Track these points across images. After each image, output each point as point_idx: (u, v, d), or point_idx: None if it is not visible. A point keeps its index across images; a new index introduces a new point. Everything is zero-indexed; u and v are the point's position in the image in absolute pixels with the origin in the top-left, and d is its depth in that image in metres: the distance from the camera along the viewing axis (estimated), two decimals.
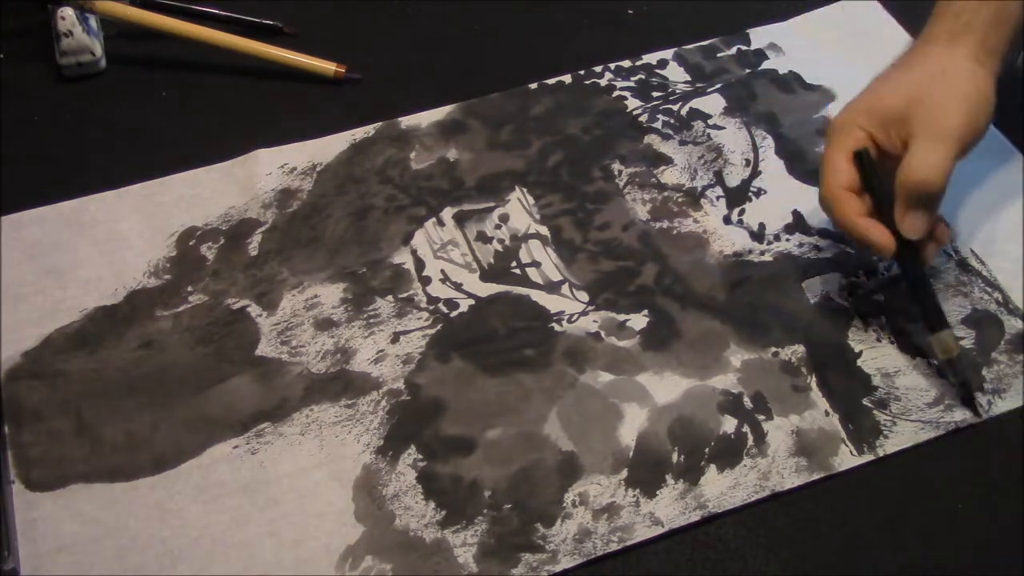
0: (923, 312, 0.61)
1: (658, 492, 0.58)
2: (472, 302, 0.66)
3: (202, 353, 0.63)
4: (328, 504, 0.57)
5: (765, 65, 0.80)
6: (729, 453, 0.59)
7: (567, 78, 0.79)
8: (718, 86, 0.79)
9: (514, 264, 0.68)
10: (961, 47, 0.60)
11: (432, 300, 0.66)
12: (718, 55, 0.81)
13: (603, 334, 0.64)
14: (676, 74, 0.80)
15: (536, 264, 0.68)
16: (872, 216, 0.60)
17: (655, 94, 0.78)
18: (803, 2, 0.84)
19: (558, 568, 0.55)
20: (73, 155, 0.74)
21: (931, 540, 0.56)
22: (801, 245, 0.69)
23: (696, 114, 0.77)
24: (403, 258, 0.68)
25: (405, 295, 0.66)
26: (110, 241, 0.69)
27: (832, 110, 0.77)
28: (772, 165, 0.74)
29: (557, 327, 0.65)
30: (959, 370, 0.61)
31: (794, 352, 0.63)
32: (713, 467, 0.59)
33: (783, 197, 0.72)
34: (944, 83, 0.59)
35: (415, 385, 0.62)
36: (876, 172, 0.60)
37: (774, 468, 0.58)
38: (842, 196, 0.60)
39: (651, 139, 0.75)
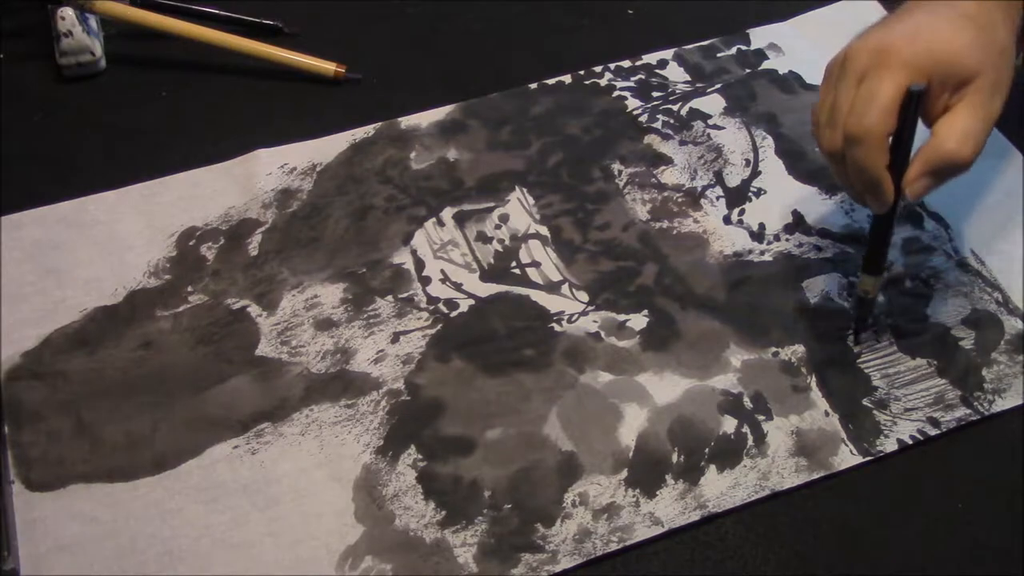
0: (871, 251, 0.60)
1: (658, 492, 0.58)
2: (472, 302, 0.66)
3: (202, 353, 0.63)
4: (328, 504, 0.57)
5: (765, 65, 0.80)
6: (729, 453, 0.59)
7: (567, 78, 0.79)
8: (718, 86, 0.79)
9: (514, 264, 0.68)
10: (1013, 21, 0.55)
11: (432, 300, 0.66)
12: (718, 55, 0.81)
13: (603, 334, 0.64)
14: (676, 74, 0.80)
15: (536, 264, 0.68)
16: None
17: (655, 94, 0.78)
18: (803, 2, 0.84)
19: (558, 568, 0.55)
20: (73, 155, 0.74)
21: (931, 540, 0.56)
22: (801, 245, 0.69)
23: (696, 114, 0.77)
24: (403, 258, 0.68)
25: (405, 295, 0.66)
26: (110, 241, 0.69)
27: None
28: (772, 165, 0.74)
29: (557, 327, 0.65)
30: (862, 309, 0.63)
31: (794, 352, 0.63)
32: (713, 467, 0.59)
33: (783, 197, 0.72)
34: (1006, 60, 0.54)
35: (415, 385, 0.62)
36: (915, 121, 0.54)
37: (774, 468, 0.58)
38: (883, 142, 0.53)
39: (651, 139, 0.75)
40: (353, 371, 0.63)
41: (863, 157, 0.54)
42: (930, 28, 0.54)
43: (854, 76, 0.54)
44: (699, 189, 0.72)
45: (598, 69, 0.80)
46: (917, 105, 0.53)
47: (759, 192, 0.72)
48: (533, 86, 0.79)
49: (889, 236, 0.60)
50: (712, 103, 0.78)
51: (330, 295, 0.66)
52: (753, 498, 0.57)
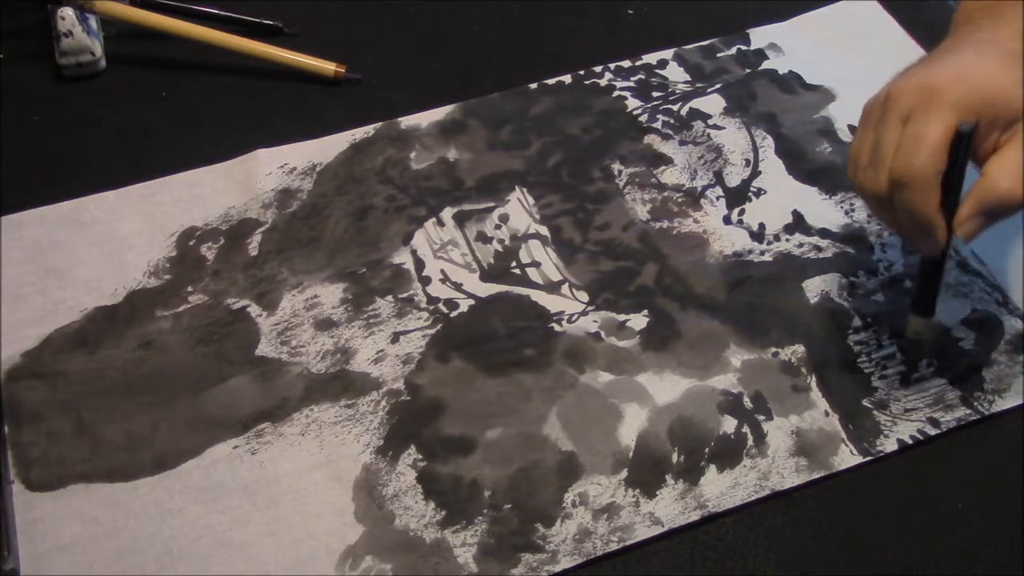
0: (921, 293, 0.60)
1: (658, 492, 0.58)
2: (472, 302, 0.66)
3: (202, 353, 0.63)
4: (328, 504, 0.57)
5: (765, 65, 0.80)
6: (729, 453, 0.59)
7: (567, 78, 0.79)
8: (718, 86, 0.79)
9: (514, 264, 0.68)
10: None
11: (432, 300, 0.66)
12: (718, 55, 0.81)
13: (603, 334, 0.64)
14: (676, 74, 0.80)
15: (536, 264, 0.68)
16: None
17: (655, 94, 0.78)
18: (803, 2, 0.84)
19: (558, 568, 0.55)
20: (73, 155, 0.74)
21: (931, 540, 0.56)
22: (801, 245, 0.69)
23: (696, 114, 0.77)
24: (403, 258, 0.68)
25: (405, 295, 0.66)
26: (110, 241, 0.69)
27: (832, 110, 0.77)
28: (772, 165, 0.74)
29: (557, 327, 0.65)
30: (914, 352, 0.62)
31: (794, 352, 0.63)
32: (713, 467, 0.59)
33: (783, 197, 0.72)
34: None
35: (415, 385, 0.62)
36: (965, 162, 0.53)
37: (774, 468, 0.58)
38: (935, 184, 0.52)
39: (651, 139, 0.75)
40: (353, 371, 0.63)
41: (914, 199, 0.52)
42: (976, 67, 0.53)
43: (898, 116, 0.53)
44: (699, 189, 0.72)
45: (598, 69, 0.80)
46: (968, 145, 0.52)
47: (759, 192, 0.72)
48: (533, 86, 0.79)
49: (941, 277, 0.58)
50: (712, 103, 0.78)
51: (330, 295, 0.66)
52: (753, 498, 0.57)
